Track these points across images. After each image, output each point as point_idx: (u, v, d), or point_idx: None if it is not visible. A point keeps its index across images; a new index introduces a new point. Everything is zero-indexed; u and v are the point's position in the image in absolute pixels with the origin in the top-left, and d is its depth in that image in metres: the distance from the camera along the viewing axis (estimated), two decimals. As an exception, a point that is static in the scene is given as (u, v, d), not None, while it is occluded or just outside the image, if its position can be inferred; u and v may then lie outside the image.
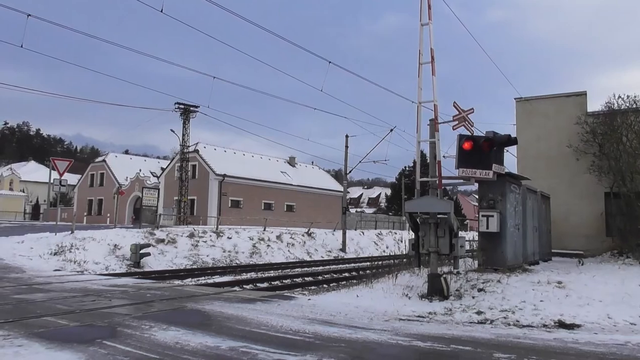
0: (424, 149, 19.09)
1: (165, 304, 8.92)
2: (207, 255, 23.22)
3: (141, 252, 19.70)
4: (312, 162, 64.71)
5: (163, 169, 53.63)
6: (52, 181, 21.99)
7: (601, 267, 13.01)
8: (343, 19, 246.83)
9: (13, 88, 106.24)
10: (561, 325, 7.39)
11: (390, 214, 69.95)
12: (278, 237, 29.23)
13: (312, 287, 16.15)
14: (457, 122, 10.51)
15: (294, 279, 18.37)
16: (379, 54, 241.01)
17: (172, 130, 43.92)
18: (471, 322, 7.70)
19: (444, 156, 11.44)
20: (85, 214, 55.66)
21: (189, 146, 44.73)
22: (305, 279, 18.74)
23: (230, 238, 26.17)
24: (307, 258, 28.04)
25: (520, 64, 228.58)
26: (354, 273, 19.74)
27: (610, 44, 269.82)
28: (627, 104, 16.31)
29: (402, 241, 32.20)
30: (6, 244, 19.55)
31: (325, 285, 16.79)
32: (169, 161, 54.46)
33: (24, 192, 71.70)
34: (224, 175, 45.79)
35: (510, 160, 20.63)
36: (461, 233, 10.73)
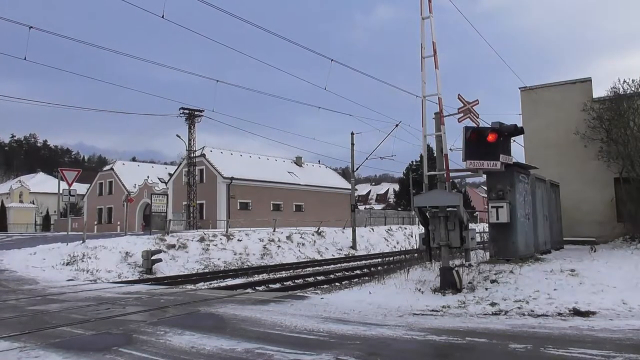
0: (430, 143, 19.03)
1: (179, 309, 8.96)
2: (219, 259, 23.28)
3: (153, 258, 19.77)
4: (319, 161, 64.77)
5: (171, 175, 53.81)
6: (61, 192, 22.10)
7: (614, 253, 12.94)
8: (336, 14, 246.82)
9: (17, 100, 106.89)
10: (576, 313, 7.35)
11: (399, 209, 69.83)
12: (288, 237, 29.24)
13: (325, 286, 16.14)
14: (462, 114, 10.48)
15: (306, 279, 18.37)
16: (375, 47, 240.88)
17: (178, 135, 44.17)
18: (485, 314, 7.68)
19: (450, 149, 11.43)
20: (95, 222, 55.92)
21: (195, 151, 44.86)
22: (317, 278, 18.74)
23: (241, 240, 26.22)
24: (318, 257, 28.04)
25: (519, 52, 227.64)
26: (365, 270, 19.68)
27: (611, 28, 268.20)
28: (633, 88, 16.20)
29: (412, 236, 32.24)
30: (19, 255, 19.68)
31: (337, 284, 16.78)
32: (176, 167, 54.65)
33: (34, 203, 72.12)
34: (232, 178, 45.87)
35: (518, 150, 20.56)
36: (471, 225, 10.68)
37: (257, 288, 15.63)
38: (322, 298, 10.06)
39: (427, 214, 9.96)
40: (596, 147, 16.67)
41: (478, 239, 12.21)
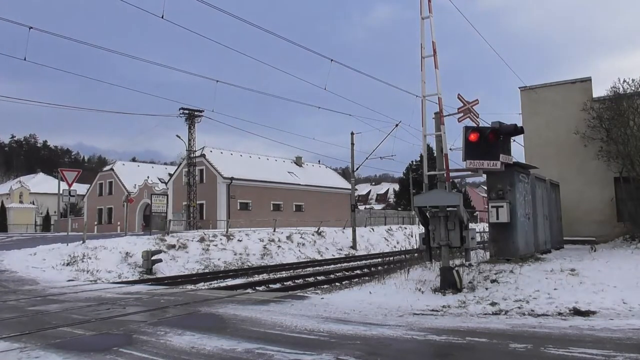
0: (430, 143, 19.04)
1: (179, 309, 8.95)
2: (219, 259, 23.28)
3: (153, 258, 19.78)
4: (319, 161, 64.80)
5: (171, 175, 53.85)
6: (61, 192, 22.12)
7: (614, 253, 12.94)
8: (334, 14, 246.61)
9: (17, 100, 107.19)
10: (576, 312, 7.35)
11: (399, 209, 69.81)
12: (288, 237, 29.25)
13: (325, 286, 16.14)
14: (462, 114, 10.47)
15: (306, 279, 18.37)
16: (374, 46, 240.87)
17: (178, 135, 44.34)
18: (486, 314, 7.67)
19: (450, 149, 11.44)
20: (95, 223, 55.94)
21: (195, 151, 44.89)
22: (318, 278, 18.74)
23: (241, 240, 26.23)
24: (318, 257, 28.04)
25: (519, 52, 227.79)
26: (365, 270, 19.69)
27: (610, 28, 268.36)
28: (633, 88, 16.20)
29: (412, 236, 32.23)
30: (19, 256, 19.68)
31: (337, 284, 16.79)
32: (176, 167, 54.68)
33: (34, 204, 72.08)
34: (232, 179, 45.88)
35: (518, 150, 20.57)
36: (471, 225, 10.68)
37: (257, 288, 15.63)
38: (322, 298, 10.05)
39: (427, 214, 9.96)
40: (596, 147, 16.67)
41: (478, 239, 12.21)
